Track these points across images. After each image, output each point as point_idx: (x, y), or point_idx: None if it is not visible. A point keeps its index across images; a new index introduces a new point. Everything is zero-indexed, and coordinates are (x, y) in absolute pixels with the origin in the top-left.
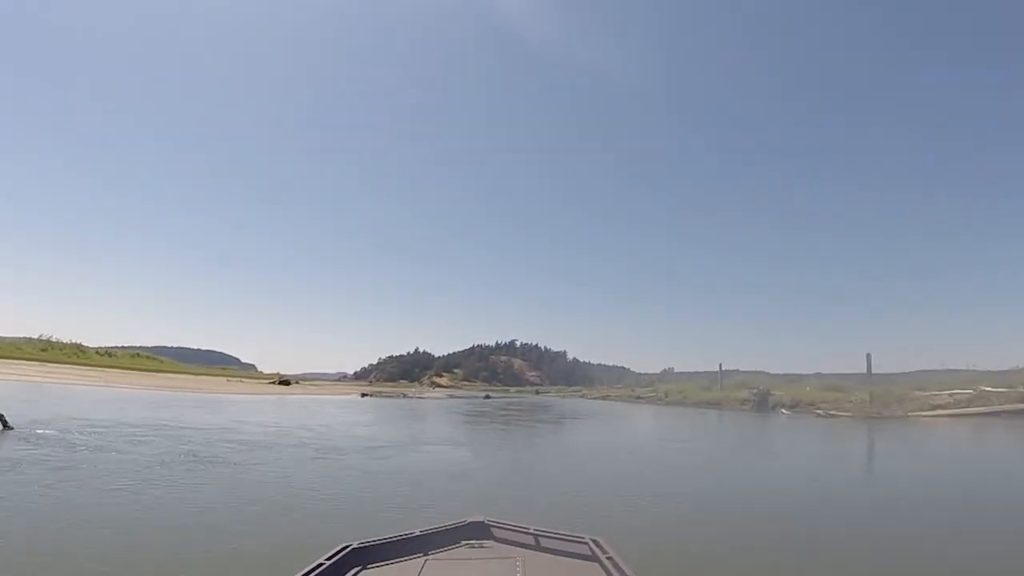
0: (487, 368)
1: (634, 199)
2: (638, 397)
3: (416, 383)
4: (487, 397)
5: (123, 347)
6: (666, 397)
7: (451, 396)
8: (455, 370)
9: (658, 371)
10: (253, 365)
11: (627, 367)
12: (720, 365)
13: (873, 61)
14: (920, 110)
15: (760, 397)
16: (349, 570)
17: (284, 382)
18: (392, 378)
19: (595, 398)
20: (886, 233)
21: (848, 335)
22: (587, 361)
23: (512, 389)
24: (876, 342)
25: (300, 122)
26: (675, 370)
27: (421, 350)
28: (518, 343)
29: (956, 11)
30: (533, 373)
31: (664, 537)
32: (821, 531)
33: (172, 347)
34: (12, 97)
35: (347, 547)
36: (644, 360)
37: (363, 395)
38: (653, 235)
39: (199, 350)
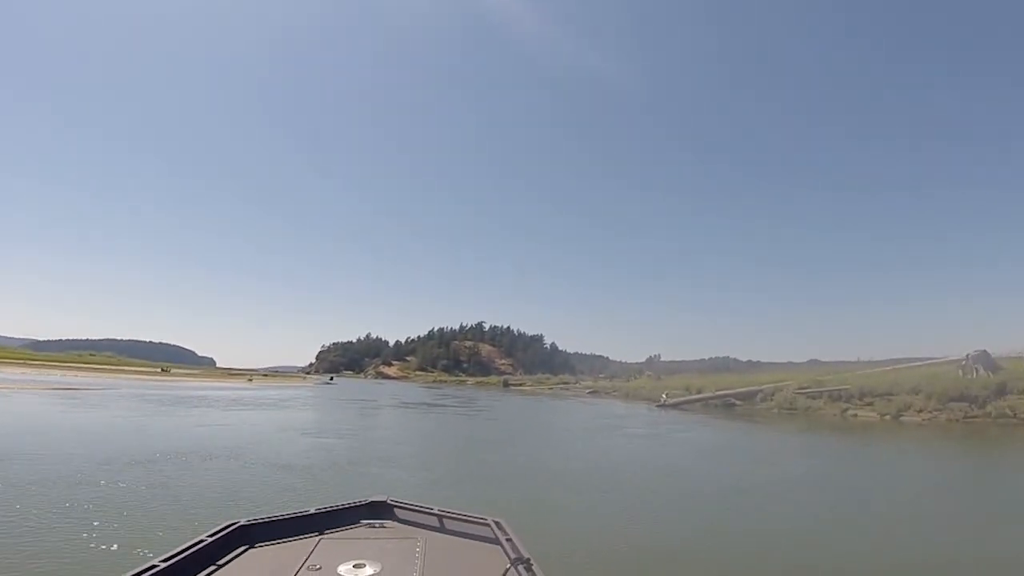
0: (448, 355)
1: (612, 193)
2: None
3: (362, 373)
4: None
5: (72, 339)
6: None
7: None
8: (408, 358)
9: (642, 359)
10: (211, 359)
11: (606, 356)
12: None
13: (851, 62)
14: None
15: None
16: (235, 548)
17: None
18: (334, 368)
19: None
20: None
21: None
22: (564, 349)
23: (471, 380)
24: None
25: (275, 121)
26: (662, 358)
27: (374, 336)
28: (486, 326)
29: (946, 14)
30: (504, 361)
31: None
32: None
33: (123, 340)
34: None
35: (234, 524)
36: (621, 349)
37: None
38: (633, 229)
39: (150, 342)
